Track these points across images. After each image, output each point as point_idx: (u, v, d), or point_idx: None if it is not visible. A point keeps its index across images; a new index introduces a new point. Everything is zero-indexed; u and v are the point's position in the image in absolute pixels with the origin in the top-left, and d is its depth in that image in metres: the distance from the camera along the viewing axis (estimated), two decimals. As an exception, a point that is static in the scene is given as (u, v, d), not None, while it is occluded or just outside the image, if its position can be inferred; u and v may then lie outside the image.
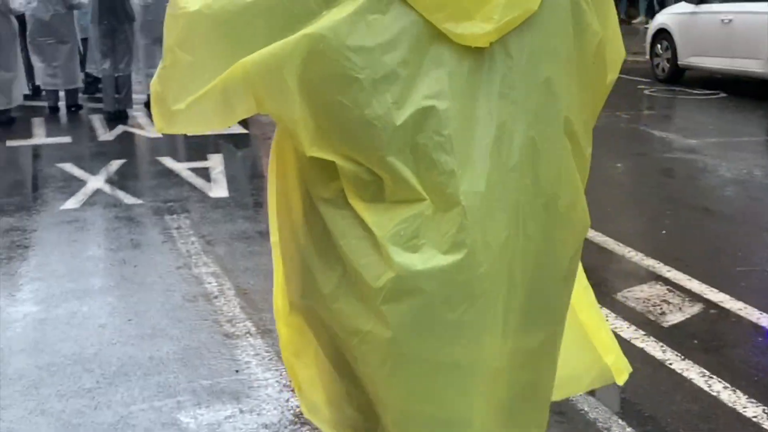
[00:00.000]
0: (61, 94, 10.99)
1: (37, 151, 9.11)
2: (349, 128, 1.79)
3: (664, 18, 13.37)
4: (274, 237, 2.30)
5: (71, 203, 6.97)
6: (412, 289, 1.79)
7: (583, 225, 2.03)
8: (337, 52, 1.74)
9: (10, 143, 9.37)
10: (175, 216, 6.68)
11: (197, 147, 8.88)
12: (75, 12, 10.88)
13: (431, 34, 1.76)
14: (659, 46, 13.20)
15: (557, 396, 2.34)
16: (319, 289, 1.96)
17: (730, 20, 11.77)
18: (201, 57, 1.87)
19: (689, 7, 12.65)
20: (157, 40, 10.83)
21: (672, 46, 12.86)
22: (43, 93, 11.22)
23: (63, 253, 5.76)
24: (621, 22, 14.63)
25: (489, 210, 1.79)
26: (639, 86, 12.70)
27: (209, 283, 5.10)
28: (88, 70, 11.74)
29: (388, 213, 1.80)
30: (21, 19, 10.46)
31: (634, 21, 20.97)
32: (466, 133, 1.77)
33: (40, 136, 9.69)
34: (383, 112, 1.76)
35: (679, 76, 12.96)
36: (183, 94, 1.92)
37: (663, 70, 13.16)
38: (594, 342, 2.43)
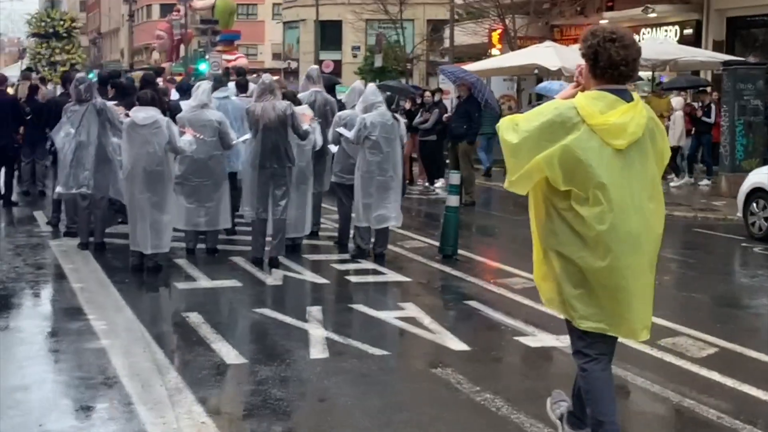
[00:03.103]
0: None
1: (216, 295, 8.83)
2: (577, 176, 4.34)
3: (759, 177, 13.46)
4: (533, 231, 4.68)
5: (317, 353, 6.88)
6: (597, 235, 4.36)
7: (662, 215, 4.56)
8: (573, 151, 4.31)
9: (180, 286, 9.08)
10: (440, 369, 6.52)
11: (381, 296, 9.13)
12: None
13: (604, 144, 4.34)
14: (755, 204, 13.29)
15: None
16: (559, 241, 4.46)
17: None
18: (518, 157, 4.40)
19: None
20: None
21: None
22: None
23: (366, 408, 5.77)
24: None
25: (626, 209, 4.36)
26: (743, 244, 12.77)
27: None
28: (241, 212, 11.15)
29: (591, 210, 4.34)
30: None
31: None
32: (616, 181, 4.33)
33: (202, 279, 9.35)
34: (590, 172, 4.31)
35: (777, 235, 12.85)
36: (514, 173, 4.44)
37: (760, 228, 13.19)
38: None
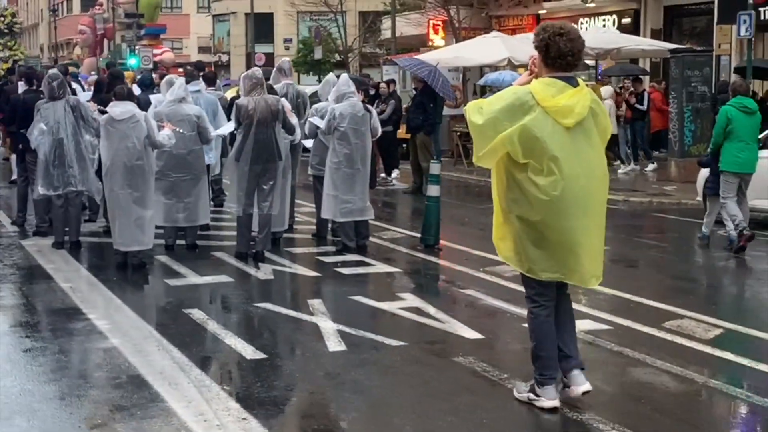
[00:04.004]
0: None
1: (211, 291, 8.69)
2: (534, 151, 5.11)
3: None
4: (494, 199, 5.44)
5: (334, 346, 6.78)
6: (551, 200, 5.15)
7: (606, 182, 5.43)
8: (530, 129, 5.09)
9: (171, 282, 8.89)
10: (461, 357, 6.54)
11: (377, 287, 8.99)
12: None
13: (556, 122, 5.13)
14: None
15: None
16: (519, 207, 5.23)
17: None
18: (484, 136, 5.18)
19: None
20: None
21: None
22: None
23: (403, 398, 5.73)
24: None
25: (575, 178, 5.15)
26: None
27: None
28: (226, 208, 11.05)
29: (546, 179, 5.11)
30: None
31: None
32: (566, 154, 5.13)
33: (191, 276, 9.15)
34: (545, 147, 5.09)
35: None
36: (481, 149, 5.23)
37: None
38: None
